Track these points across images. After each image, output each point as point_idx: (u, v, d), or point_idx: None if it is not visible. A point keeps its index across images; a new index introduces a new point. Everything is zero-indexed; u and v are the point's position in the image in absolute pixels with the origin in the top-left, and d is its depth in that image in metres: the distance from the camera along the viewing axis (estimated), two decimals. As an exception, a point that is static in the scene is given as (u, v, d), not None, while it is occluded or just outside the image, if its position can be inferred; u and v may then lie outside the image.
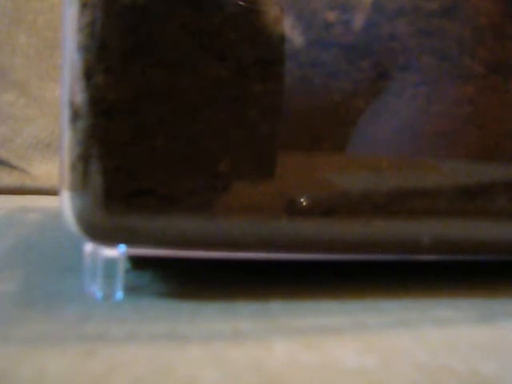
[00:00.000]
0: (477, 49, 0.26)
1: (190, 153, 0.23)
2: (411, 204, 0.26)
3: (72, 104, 0.23)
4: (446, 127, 0.26)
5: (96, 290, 0.24)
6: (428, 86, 0.26)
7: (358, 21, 0.25)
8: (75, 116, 0.23)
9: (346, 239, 0.26)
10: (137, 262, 0.28)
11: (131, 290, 0.25)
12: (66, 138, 0.24)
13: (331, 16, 0.24)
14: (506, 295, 0.28)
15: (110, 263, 0.24)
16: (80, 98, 0.23)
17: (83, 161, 0.23)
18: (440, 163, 0.27)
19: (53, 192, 0.61)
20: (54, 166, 0.68)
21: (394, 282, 0.29)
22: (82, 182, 0.23)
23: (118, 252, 0.24)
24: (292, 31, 0.24)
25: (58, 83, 0.69)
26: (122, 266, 0.24)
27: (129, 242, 0.24)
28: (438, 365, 0.20)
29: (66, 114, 0.24)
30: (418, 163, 0.26)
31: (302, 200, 0.25)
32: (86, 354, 0.19)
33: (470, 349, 0.21)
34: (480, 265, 0.30)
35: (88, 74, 0.23)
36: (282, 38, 0.24)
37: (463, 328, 0.23)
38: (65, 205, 0.24)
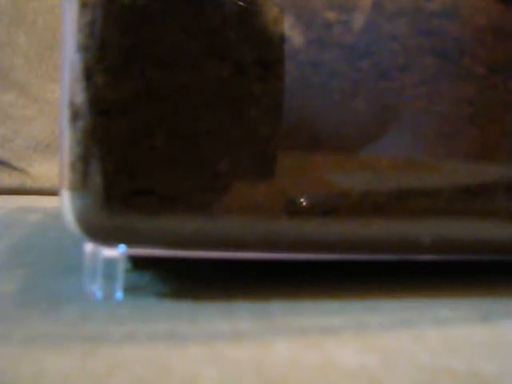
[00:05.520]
0: (478, 49, 0.26)
1: (190, 153, 0.23)
2: (411, 204, 0.26)
3: (72, 104, 0.23)
4: (446, 127, 0.26)
5: (96, 289, 0.24)
6: (428, 86, 0.26)
7: (358, 21, 0.25)
8: (75, 116, 0.23)
9: (346, 239, 0.26)
10: (137, 262, 0.28)
11: (131, 290, 0.25)
12: (66, 138, 0.24)
13: (331, 16, 0.24)
14: (506, 295, 0.28)
15: (110, 263, 0.24)
16: (80, 98, 0.23)
17: (83, 161, 0.23)
18: (440, 163, 0.27)
19: (53, 192, 0.61)
20: (54, 166, 0.68)
21: (394, 281, 0.29)
22: (81, 182, 0.23)
23: (117, 252, 0.24)
24: (292, 31, 0.24)
25: (58, 83, 0.69)
26: (122, 266, 0.24)
27: (129, 241, 0.24)
28: (438, 365, 0.20)
29: (65, 114, 0.24)
30: (418, 163, 0.26)
31: (301, 200, 0.25)
32: (85, 354, 0.19)
33: (470, 349, 0.21)
34: (480, 265, 0.30)
35: (88, 74, 0.23)
36: (282, 38, 0.24)
37: (463, 328, 0.23)
38: (65, 205, 0.24)
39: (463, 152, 0.27)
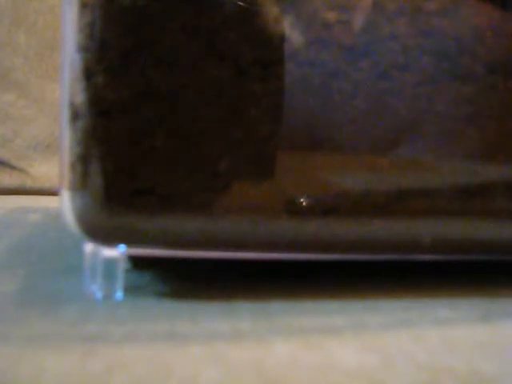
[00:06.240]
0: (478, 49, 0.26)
1: (190, 153, 0.23)
2: (411, 204, 0.26)
3: (72, 104, 0.23)
4: (446, 127, 0.26)
5: (96, 289, 0.24)
6: (427, 85, 0.26)
7: (358, 21, 0.25)
8: (75, 116, 0.23)
9: (346, 239, 0.26)
10: (137, 262, 0.28)
11: (131, 289, 0.25)
12: (66, 138, 0.24)
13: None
14: (505, 295, 0.28)
15: (110, 263, 0.24)
16: (80, 98, 0.23)
17: (83, 161, 0.23)
18: (440, 163, 0.27)
19: (53, 192, 0.61)
20: (54, 166, 0.68)
21: (394, 282, 0.29)
22: (81, 182, 0.23)
23: (117, 252, 0.24)
24: (292, 31, 0.24)
25: (57, 83, 0.69)
26: (122, 266, 0.24)
27: (129, 241, 0.24)
28: (438, 364, 0.20)
29: (65, 114, 0.24)
30: (418, 163, 0.26)
31: (301, 200, 0.25)
32: (85, 354, 0.19)
33: (470, 349, 0.21)
34: (480, 265, 0.30)
35: (88, 74, 0.23)
36: (282, 38, 0.24)
37: (463, 328, 0.23)
38: (65, 205, 0.24)
39: (463, 152, 0.27)
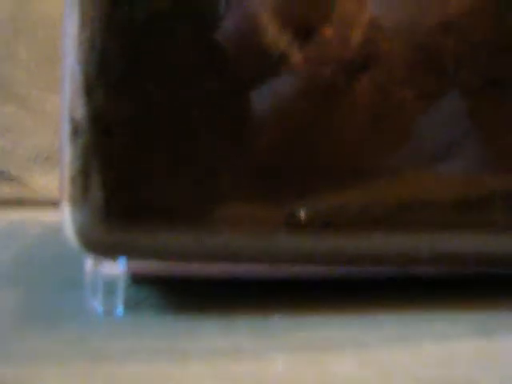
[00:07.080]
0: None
1: (190, 168, 0.24)
2: (411, 217, 0.26)
3: (72, 119, 0.23)
4: (445, 139, 0.26)
5: (97, 305, 0.24)
6: (424, 99, 0.26)
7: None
8: (75, 131, 0.23)
9: (345, 252, 0.26)
10: (137, 278, 0.28)
11: (132, 305, 0.25)
12: (66, 152, 0.24)
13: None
14: (504, 309, 0.28)
15: (111, 279, 0.24)
16: (80, 113, 0.23)
17: (83, 175, 0.23)
18: (439, 176, 0.27)
19: (52, 205, 0.61)
20: (54, 178, 0.68)
21: (393, 296, 0.28)
22: (81, 196, 0.23)
23: (118, 268, 0.24)
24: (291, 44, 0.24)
25: (58, 96, 0.69)
26: (123, 282, 0.24)
27: (129, 255, 0.24)
28: (436, 379, 0.20)
29: (66, 129, 0.24)
30: (418, 176, 0.26)
31: (301, 213, 0.25)
32: (86, 370, 0.19)
33: (468, 363, 0.21)
34: (478, 279, 0.30)
35: (88, 89, 0.23)
36: (282, 53, 0.24)
37: (461, 342, 0.23)
38: (65, 218, 0.24)
39: (463, 164, 0.27)
